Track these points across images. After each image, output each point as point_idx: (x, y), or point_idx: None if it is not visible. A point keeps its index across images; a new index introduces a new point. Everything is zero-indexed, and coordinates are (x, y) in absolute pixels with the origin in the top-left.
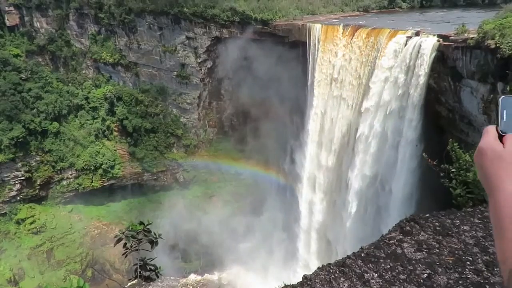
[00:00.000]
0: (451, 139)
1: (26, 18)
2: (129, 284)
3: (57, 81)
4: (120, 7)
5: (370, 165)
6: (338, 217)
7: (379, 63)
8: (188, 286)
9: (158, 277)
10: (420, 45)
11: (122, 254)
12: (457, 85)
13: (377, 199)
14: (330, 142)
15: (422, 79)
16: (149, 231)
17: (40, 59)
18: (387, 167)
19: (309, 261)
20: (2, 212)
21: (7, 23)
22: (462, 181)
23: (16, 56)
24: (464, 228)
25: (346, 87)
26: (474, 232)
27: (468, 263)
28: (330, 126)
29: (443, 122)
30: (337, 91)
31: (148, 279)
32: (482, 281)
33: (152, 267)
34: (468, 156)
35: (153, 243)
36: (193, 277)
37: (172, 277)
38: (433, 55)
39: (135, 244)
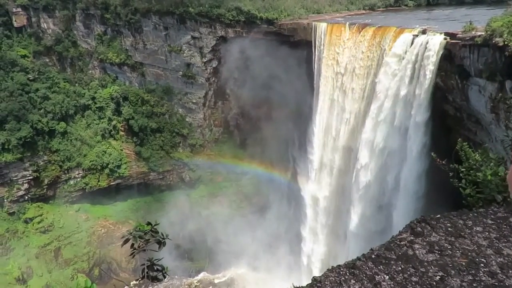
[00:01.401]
0: (459, 139)
1: (33, 19)
2: (131, 283)
3: (64, 82)
4: (126, 8)
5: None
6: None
7: (385, 62)
8: (193, 285)
9: (165, 277)
10: (427, 44)
11: (130, 255)
12: (465, 84)
13: (382, 220)
14: (333, 156)
15: (429, 78)
16: (157, 232)
17: (47, 60)
18: (393, 188)
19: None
20: (11, 211)
21: (15, 24)
22: (471, 181)
23: (24, 56)
24: (477, 229)
25: (352, 86)
26: (487, 233)
27: (482, 265)
28: (335, 129)
29: (451, 121)
30: (342, 91)
31: (155, 279)
32: (496, 283)
33: (159, 268)
34: (477, 155)
35: (160, 243)
36: (199, 276)
37: (177, 277)
38: (440, 53)
39: (142, 245)
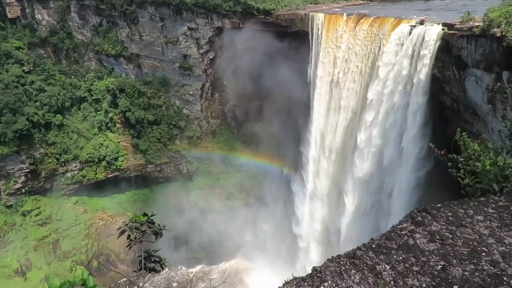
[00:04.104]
0: (458, 129)
1: (27, 10)
2: (125, 275)
3: (60, 74)
4: None
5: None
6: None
7: (382, 52)
8: (192, 276)
9: (162, 268)
10: (425, 34)
11: (126, 246)
12: (462, 75)
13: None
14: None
15: (426, 69)
16: (153, 223)
17: (42, 52)
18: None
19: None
20: (8, 204)
21: (9, 15)
22: (470, 171)
23: (18, 48)
24: (478, 218)
25: (349, 77)
26: (488, 222)
27: (483, 254)
28: (333, 120)
29: (448, 112)
30: (339, 82)
31: (153, 271)
32: (499, 272)
33: (157, 259)
34: (476, 145)
35: (157, 234)
36: (197, 267)
37: (176, 268)
38: (438, 44)
39: (139, 236)
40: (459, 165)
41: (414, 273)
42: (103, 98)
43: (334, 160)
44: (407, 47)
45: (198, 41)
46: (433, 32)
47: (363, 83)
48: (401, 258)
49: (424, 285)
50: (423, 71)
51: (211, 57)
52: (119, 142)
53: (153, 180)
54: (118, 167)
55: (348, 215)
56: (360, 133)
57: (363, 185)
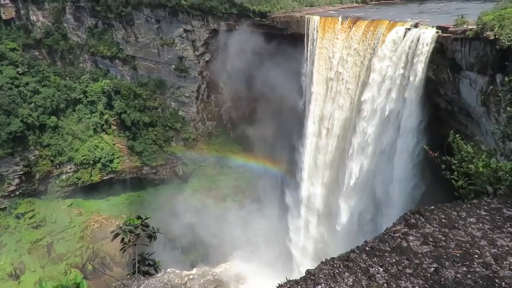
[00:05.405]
0: (451, 131)
1: (22, 12)
2: (120, 279)
3: (55, 75)
4: (116, 0)
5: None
6: None
7: (377, 55)
8: (187, 279)
9: (157, 272)
10: (419, 37)
11: (120, 249)
12: (456, 77)
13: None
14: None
15: (421, 71)
16: (147, 226)
17: (37, 53)
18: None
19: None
20: (2, 207)
21: (3, 17)
22: (463, 173)
23: (13, 50)
24: (471, 220)
25: (345, 79)
26: (481, 224)
27: (476, 256)
28: (329, 122)
29: (442, 114)
30: (335, 84)
31: (147, 274)
32: (491, 274)
33: (151, 262)
34: (469, 147)
35: (151, 237)
36: (193, 270)
37: (171, 270)
38: (432, 46)
39: (133, 239)
40: (453, 167)
41: (407, 275)
42: (98, 100)
43: (327, 185)
44: (402, 50)
45: (194, 43)
46: (427, 35)
47: (359, 86)
48: (394, 260)
49: (417, 287)
50: (418, 74)
51: (207, 59)
52: (114, 144)
53: (149, 182)
54: (114, 169)
55: (341, 243)
56: (355, 134)
57: (357, 210)
